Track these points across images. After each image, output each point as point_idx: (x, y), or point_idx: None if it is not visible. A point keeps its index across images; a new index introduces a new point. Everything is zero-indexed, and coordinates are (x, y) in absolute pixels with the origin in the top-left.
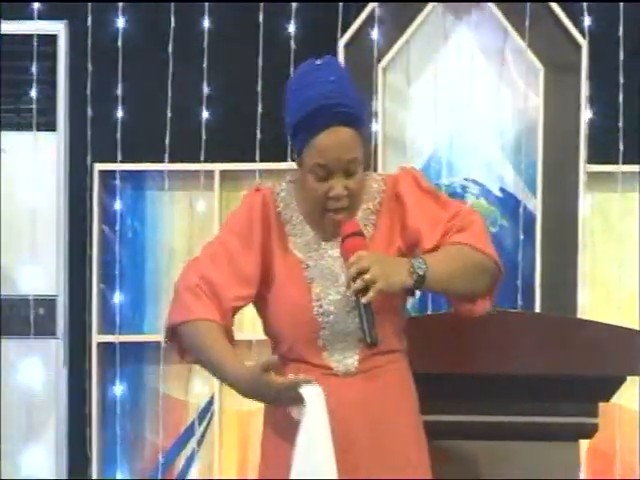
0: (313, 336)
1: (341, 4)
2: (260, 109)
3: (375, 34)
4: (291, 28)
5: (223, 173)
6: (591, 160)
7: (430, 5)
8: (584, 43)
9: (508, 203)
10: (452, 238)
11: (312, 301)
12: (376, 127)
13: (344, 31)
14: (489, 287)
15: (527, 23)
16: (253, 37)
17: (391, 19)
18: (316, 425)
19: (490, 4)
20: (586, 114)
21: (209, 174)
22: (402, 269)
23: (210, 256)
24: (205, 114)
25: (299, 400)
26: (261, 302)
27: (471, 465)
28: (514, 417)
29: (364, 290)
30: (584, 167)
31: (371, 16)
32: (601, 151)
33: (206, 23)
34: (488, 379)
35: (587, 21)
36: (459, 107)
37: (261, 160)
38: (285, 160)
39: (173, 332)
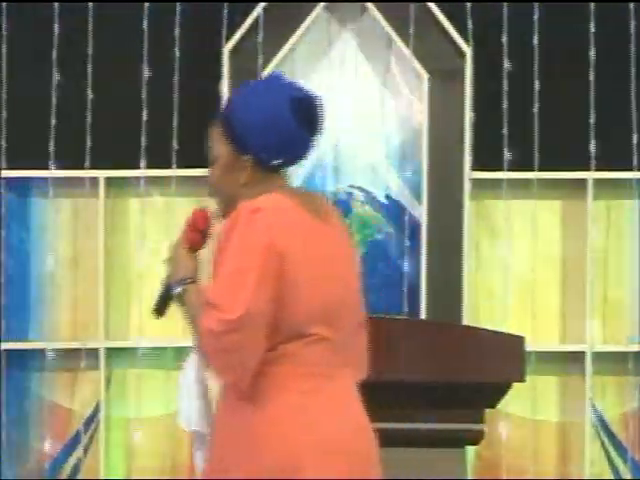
0: None
1: (226, 11)
2: (145, 116)
3: (260, 40)
4: (176, 33)
5: (108, 180)
6: (475, 167)
7: (315, 12)
8: (468, 50)
9: (393, 210)
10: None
11: None
12: None
13: (229, 37)
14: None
15: (411, 31)
16: (138, 43)
17: (276, 26)
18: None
19: (375, 12)
20: (470, 121)
21: (94, 181)
22: (179, 274)
23: None
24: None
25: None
26: None
27: None
28: (400, 424)
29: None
30: (469, 174)
31: (256, 22)
32: (485, 158)
33: (90, 27)
34: (374, 386)
35: (471, 28)
36: (344, 114)
37: (147, 167)
38: (170, 167)
39: None
